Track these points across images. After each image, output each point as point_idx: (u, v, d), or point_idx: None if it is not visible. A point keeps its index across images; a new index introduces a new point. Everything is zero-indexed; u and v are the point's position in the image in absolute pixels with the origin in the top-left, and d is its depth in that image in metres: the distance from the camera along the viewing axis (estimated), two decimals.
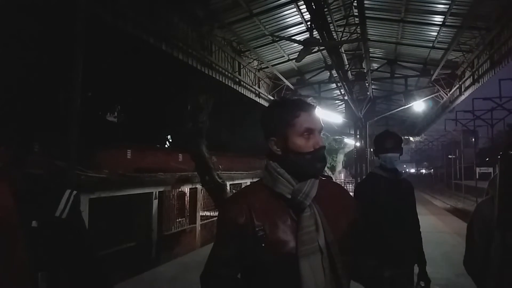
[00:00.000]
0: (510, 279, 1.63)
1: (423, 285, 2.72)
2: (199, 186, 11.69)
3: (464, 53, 9.88)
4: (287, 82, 12.45)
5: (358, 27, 8.49)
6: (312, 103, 1.34)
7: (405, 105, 14.25)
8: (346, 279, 1.26)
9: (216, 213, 12.29)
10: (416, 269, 2.75)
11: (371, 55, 11.41)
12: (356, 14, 8.58)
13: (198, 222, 12.04)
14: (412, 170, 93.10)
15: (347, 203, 1.42)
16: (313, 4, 5.71)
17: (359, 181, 10.47)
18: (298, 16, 8.71)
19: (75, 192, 1.63)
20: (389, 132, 2.85)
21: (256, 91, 11.63)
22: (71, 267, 1.59)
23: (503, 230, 1.63)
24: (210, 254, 1.37)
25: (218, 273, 1.33)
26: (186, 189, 11.70)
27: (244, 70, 10.72)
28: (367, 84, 12.73)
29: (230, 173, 13.44)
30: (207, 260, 1.37)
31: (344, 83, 10.38)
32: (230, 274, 1.33)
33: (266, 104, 12.19)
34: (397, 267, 2.57)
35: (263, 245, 1.23)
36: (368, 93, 13.63)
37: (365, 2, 7.75)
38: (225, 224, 1.32)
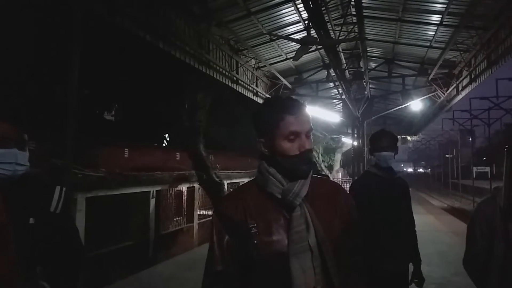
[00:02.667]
0: None
1: (417, 282, 2.73)
2: (196, 185, 11.68)
3: (461, 52, 9.89)
4: (284, 81, 12.44)
5: (356, 26, 8.49)
6: (301, 103, 1.33)
7: (402, 105, 14.26)
8: (338, 278, 1.26)
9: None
10: (411, 267, 2.76)
11: (368, 54, 11.41)
12: (354, 13, 8.58)
13: (196, 221, 12.04)
14: (410, 170, 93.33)
15: (343, 201, 1.41)
16: (310, 2, 5.70)
17: (354, 179, 10.49)
18: (296, 14, 8.70)
19: (65, 188, 1.65)
20: (384, 131, 2.86)
21: (254, 90, 11.62)
22: (58, 263, 1.61)
23: (507, 223, 1.63)
24: (207, 258, 1.35)
25: (219, 275, 1.32)
26: (183, 188, 11.69)
27: (242, 69, 10.71)
28: (364, 83, 12.74)
29: (228, 172, 13.44)
30: (205, 265, 1.35)
31: (342, 82, 10.38)
32: (231, 273, 1.32)
33: None
34: (392, 266, 2.57)
35: (255, 242, 1.24)
36: (366, 92, 13.64)
37: (363, 1, 7.76)
38: (221, 222, 1.33)
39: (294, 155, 1.28)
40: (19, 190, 1.57)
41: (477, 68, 9.67)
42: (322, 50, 9.73)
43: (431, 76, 11.90)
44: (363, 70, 11.44)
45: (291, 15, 8.76)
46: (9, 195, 1.52)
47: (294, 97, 1.43)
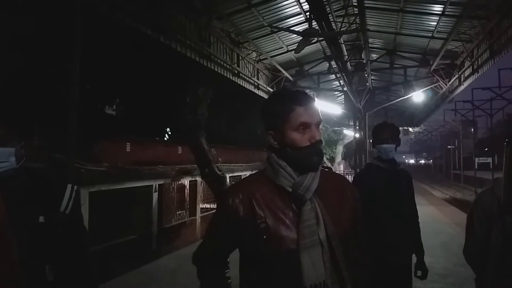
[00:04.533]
0: (509, 267, 1.65)
1: (420, 274, 2.74)
2: (198, 179, 11.71)
3: (463, 42, 9.83)
4: (286, 74, 12.40)
5: (357, 17, 8.43)
6: (310, 95, 1.32)
7: (404, 96, 14.22)
8: (348, 272, 1.26)
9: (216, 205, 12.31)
10: (414, 259, 2.77)
11: (370, 45, 11.35)
12: (355, 4, 8.51)
13: (198, 214, 12.08)
14: (411, 161, 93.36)
15: (350, 194, 1.42)
16: None
17: (357, 172, 10.50)
18: (297, 6, 8.64)
19: (76, 187, 1.65)
20: (386, 123, 2.86)
21: (255, 83, 11.59)
22: (68, 260, 1.61)
23: (504, 215, 1.64)
24: (205, 237, 1.45)
25: (209, 258, 1.44)
26: (186, 181, 11.71)
27: (243, 62, 10.67)
28: (366, 75, 12.69)
29: (230, 166, 13.45)
30: (201, 242, 1.47)
31: (343, 74, 10.35)
32: (220, 259, 1.44)
33: (265, 95, 12.17)
34: (395, 257, 2.59)
35: (264, 237, 1.24)
36: (367, 84, 13.59)
37: None
38: (224, 213, 1.32)
39: (304, 146, 1.27)
40: (23, 187, 1.56)
41: (479, 58, 9.61)
42: (324, 42, 9.68)
43: (433, 67, 11.84)
44: (364, 61, 11.39)
45: (292, 6, 8.70)
46: (9, 193, 1.51)
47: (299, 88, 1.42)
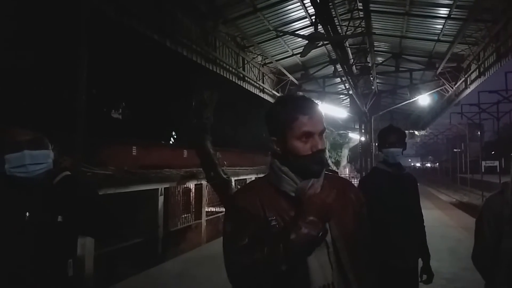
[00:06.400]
0: None
1: (426, 278, 2.73)
2: (204, 182, 11.72)
3: (469, 46, 9.79)
4: (291, 77, 12.42)
5: (363, 21, 8.44)
6: (314, 103, 1.32)
7: (410, 99, 14.18)
8: (353, 274, 1.27)
9: (222, 209, 12.32)
10: (420, 263, 2.76)
11: (375, 49, 11.34)
12: (361, 7, 8.53)
13: (204, 218, 12.09)
14: (418, 164, 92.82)
15: (354, 198, 1.42)
16: None
17: (363, 176, 10.47)
18: (302, 10, 8.67)
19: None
20: (392, 127, 2.85)
21: (261, 87, 11.62)
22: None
23: None
24: (227, 246, 1.28)
25: (241, 261, 1.23)
26: (191, 185, 11.74)
27: (248, 66, 10.70)
28: (372, 78, 12.67)
29: (235, 169, 13.46)
30: (226, 256, 1.27)
31: (349, 78, 10.34)
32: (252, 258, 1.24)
33: (270, 99, 12.19)
34: (401, 262, 2.57)
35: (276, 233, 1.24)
36: (373, 87, 13.57)
37: None
38: (238, 213, 1.30)
39: (306, 155, 1.27)
40: (49, 188, 1.60)
41: (486, 62, 9.57)
42: (329, 45, 9.69)
43: (439, 70, 11.79)
44: (370, 65, 11.38)
45: (297, 11, 8.73)
46: (43, 193, 1.57)
47: (305, 95, 1.42)
